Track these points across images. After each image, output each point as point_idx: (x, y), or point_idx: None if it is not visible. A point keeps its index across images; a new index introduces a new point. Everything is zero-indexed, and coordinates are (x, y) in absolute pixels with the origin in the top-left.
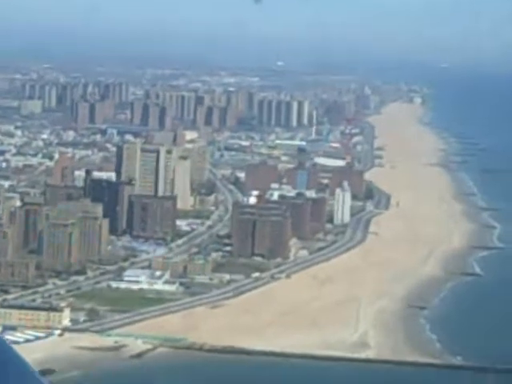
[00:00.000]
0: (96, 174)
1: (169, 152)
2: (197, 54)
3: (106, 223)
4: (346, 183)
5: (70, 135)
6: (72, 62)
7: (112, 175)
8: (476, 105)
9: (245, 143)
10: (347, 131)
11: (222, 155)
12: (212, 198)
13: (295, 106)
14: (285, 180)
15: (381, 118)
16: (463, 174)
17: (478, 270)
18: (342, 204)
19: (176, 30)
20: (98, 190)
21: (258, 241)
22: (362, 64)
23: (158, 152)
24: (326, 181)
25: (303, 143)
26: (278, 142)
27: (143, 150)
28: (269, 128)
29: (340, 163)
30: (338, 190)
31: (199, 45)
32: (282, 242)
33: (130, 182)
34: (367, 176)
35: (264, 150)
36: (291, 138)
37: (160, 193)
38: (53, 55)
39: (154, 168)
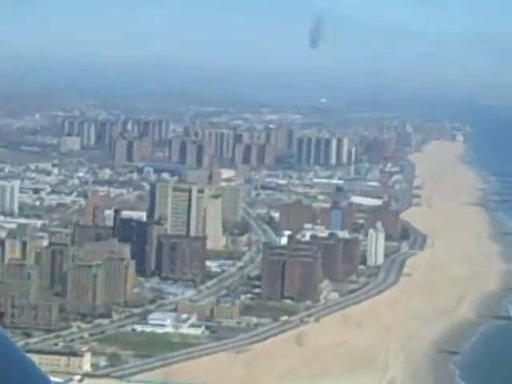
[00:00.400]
0: (126, 214)
1: (201, 191)
2: (239, 91)
3: (132, 264)
4: (379, 223)
5: (107, 173)
6: (115, 98)
7: (143, 215)
8: None
9: (282, 182)
10: (386, 169)
11: (258, 194)
12: (245, 238)
13: (334, 143)
14: (319, 220)
15: (421, 156)
16: (502, 213)
17: None
18: (376, 245)
19: (219, 67)
20: (126, 230)
21: (287, 283)
22: (406, 101)
23: (190, 191)
24: (361, 221)
25: (341, 182)
26: (315, 180)
27: (175, 189)
28: (307, 166)
29: (377, 202)
30: (371, 231)
31: (242, 82)
32: (312, 284)
33: (159, 222)
34: (404, 216)
35: (301, 189)
36: (329, 177)
37: (192, 233)
38: (97, 92)
39: (186, 207)
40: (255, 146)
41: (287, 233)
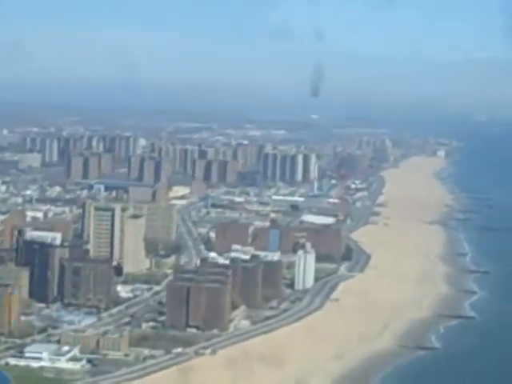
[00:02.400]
0: (36, 234)
1: (125, 210)
2: (235, 107)
3: (24, 290)
4: (308, 244)
5: (56, 191)
6: (99, 114)
7: (57, 236)
8: (504, 159)
9: (239, 199)
10: (353, 186)
11: (208, 212)
12: (172, 259)
13: (300, 159)
14: (258, 240)
15: (396, 172)
16: (461, 232)
17: (435, 342)
18: (304, 267)
19: (212, 84)
20: (28, 253)
21: (192, 310)
22: (399, 118)
23: (112, 211)
24: (303, 240)
25: (300, 199)
26: (274, 197)
27: (97, 209)
28: (272, 182)
29: (329, 221)
30: (299, 252)
31: (239, 98)
32: (220, 312)
33: (62, 244)
34: (355, 234)
35: (256, 207)
36: (291, 194)
37: (116, 255)
38: (82, 109)
39: (110, 228)
40: (216, 162)
41: (212, 255)
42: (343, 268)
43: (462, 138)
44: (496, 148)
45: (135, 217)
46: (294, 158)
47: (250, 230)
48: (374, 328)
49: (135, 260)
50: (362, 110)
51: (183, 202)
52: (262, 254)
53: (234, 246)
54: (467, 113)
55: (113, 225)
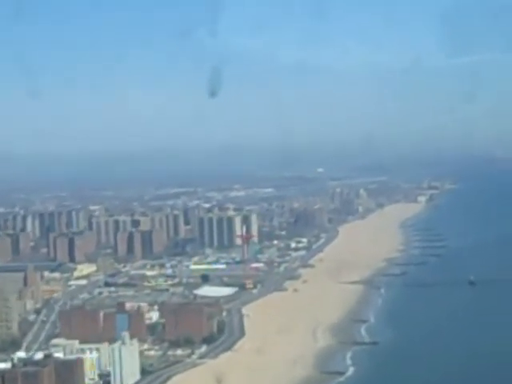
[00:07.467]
0: None
1: None
2: (229, 168)
3: None
4: (126, 333)
5: None
6: (83, 188)
7: None
8: (494, 200)
9: (150, 273)
10: (293, 245)
11: (100, 293)
12: None
13: (238, 222)
14: (106, 326)
15: (358, 225)
16: (382, 292)
17: None
18: (120, 362)
19: (210, 147)
20: None
21: None
22: (411, 161)
23: None
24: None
25: (221, 266)
26: (193, 267)
27: None
28: (204, 249)
29: (228, 292)
30: (113, 346)
31: (234, 158)
32: None
33: None
34: (252, 305)
35: (161, 281)
36: (216, 261)
37: None
38: (73, 183)
39: None
40: (138, 233)
41: (20, 354)
42: (197, 354)
43: (462, 179)
44: (492, 188)
45: None
46: (230, 221)
47: (101, 315)
48: None
49: None
50: (370, 157)
51: (83, 281)
52: (86, 346)
53: (54, 341)
54: (494, 150)
55: None
